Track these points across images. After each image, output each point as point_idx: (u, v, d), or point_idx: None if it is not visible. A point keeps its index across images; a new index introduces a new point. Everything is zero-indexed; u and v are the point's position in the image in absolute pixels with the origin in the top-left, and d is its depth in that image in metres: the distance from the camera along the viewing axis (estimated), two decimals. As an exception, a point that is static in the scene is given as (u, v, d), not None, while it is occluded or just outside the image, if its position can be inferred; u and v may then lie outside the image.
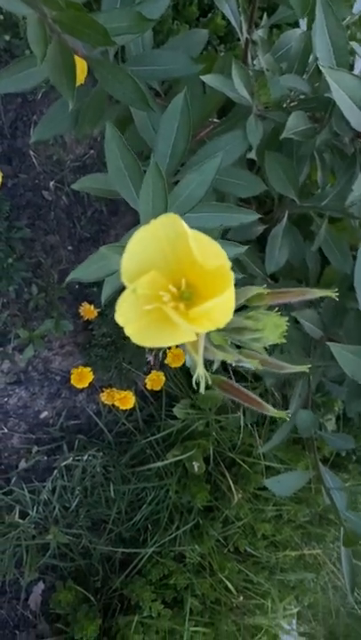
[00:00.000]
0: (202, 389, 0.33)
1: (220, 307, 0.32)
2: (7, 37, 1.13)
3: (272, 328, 0.34)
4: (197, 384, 0.33)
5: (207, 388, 0.36)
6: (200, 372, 0.33)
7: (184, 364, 1.28)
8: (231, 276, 0.33)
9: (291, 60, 0.90)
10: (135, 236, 0.33)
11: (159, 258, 0.34)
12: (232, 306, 0.33)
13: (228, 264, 0.33)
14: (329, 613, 1.70)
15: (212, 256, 0.33)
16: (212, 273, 0.33)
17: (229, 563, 1.35)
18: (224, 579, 1.33)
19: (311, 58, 0.91)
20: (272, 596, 1.39)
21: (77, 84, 0.85)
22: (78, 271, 0.53)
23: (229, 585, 1.33)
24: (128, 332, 0.34)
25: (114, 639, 1.25)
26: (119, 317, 0.33)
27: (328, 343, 0.73)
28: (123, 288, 0.34)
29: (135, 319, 0.33)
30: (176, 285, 0.34)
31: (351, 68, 0.98)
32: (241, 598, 1.36)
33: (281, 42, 0.98)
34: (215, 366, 0.36)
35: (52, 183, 1.29)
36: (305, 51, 0.90)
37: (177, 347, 1.20)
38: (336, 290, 1.01)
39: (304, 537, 1.49)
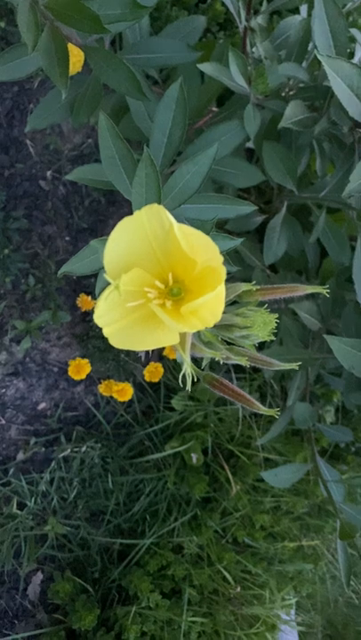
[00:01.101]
0: (188, 387, 0.32)
1: (210, 304, 0.31)
2: (2, 25, 1.11)
3: (261, 325, 0.33)
4: (184, 382, 0.32)
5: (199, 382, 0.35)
6: (188, 371, 0.32)
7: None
8: (223, 272, 0.31)
9: (290, 48, 0.89)
10: (118, 228, 0.32)
11: (145, 252, 0.32)
12: (222, 304, 0.31)
13: (220, 259, 0.31)
14: (327, 603, 1.70)
15: (202, 250, 0.31)
16: (202, 268, 0.32)
17: (228, 553, 1.35)
18: (222, 569, 1.33)
19: (311, 45, 0.90)
20: (270, 587, 1.39)
21: (74, 72, 0.84)
22: (70, 264, 0.52)
23: (227, 575, 1.34)
24: (107, 332, 0.32)
25: (112, 629, 1.25)
26: (98, 318, 0.31)
27: (325, 336, 0.72)
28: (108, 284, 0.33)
29: (116, 319, 0.32)
30: (163, 282, 0.32)
31: (352, 55, 0.96)
32: (239, 589, 1.36)
33: (280, 29, 0.96)
34: (204, 363, 0.35)
35: (49, 173, 1.28)
36: (304, 38, 0.89)
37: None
38: (333, 282, 1.00)
39: (303, 528, 1.49)
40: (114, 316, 0.32)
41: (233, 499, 1.36)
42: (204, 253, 0.31)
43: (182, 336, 0.33)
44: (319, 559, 1.51)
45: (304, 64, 0.91)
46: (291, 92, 0.92)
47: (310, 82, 0.84)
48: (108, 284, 0.31)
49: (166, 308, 0.31)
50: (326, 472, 0.97)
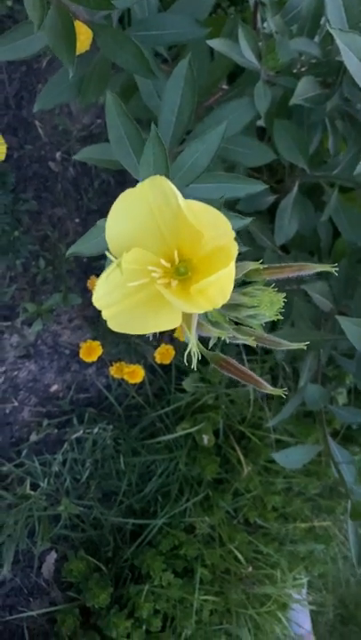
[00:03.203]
0: (193, 366, 0.31)
1: (219, 284, 0.29)
2: (9, 3, 1.10)
3: (268, 305, 0.32)
4: (189, 360, 0.31)
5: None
6: (193, 350, 0.31)
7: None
8: (234, 250, 0.29)
9: (301, 22, 0.87)
10: (119, 201, 0.30)
11: (149, 227, 0.31)
12: (232, 283, 0.30)
13: (232, 235, 0.29)
14: (339, 583, 1.72)
15: (212, 227, 0.29)
16: (212, 246, 0.30)
17: (239, 534, 1.36)
18: (234, 549, 1.35)
19: (323, 19, 0.88)
20: (281, 567, 1.40)
21: (82, 50, 0.83)
22: (78, 245, 0.51)
23: (239, 555, 1.35)
24: (106, 315, 0.31)
25: (125, 607, 1.27)
26: (97, 300, 0.30)
27: (337, 317, 0.71)
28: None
29: (117, 300, 0.30)
30: (169, 260, 0.31)
31: (365, 29, 0.94)
32: (250, 568, 1.37)
33: (292, 2, 0.94)
34: (211, 343, 0.35)
35: (58, 154, 1.27)
36: (317, 12, 0.86)
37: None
38: (345, 262, 0.98)
39: (314, 509, 1.50)
40: (115, 298, 0.31)
41: (244, 480, 1.37)
42: (213, 230, 0.30)
43: (189, 315, 0.32)
44: (331, 540, 1.52)
45: (316, 39, 0.89)
46: (303, 69, 0.90)
47: (322, 57, 0.82)
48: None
49: (172, 288, 0.30)
50: (338, 453, 0.96)
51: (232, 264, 0.28)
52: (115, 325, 0.31)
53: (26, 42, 0.71)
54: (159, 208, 0.30)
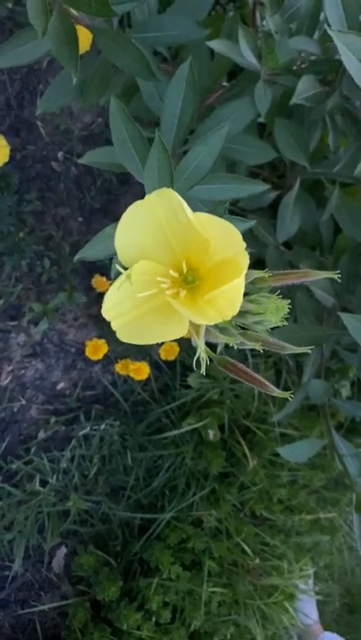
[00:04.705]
0: (202, 371, 0.32)
1: (228, 295, 0.29)
2: (10, 5, 1.11)
3: (274, 311, 0.33)
4: (198, 366, 0.32)
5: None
6: (202, 356, 0.32)
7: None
8: (245, 261, 0.29)
9: (300, 20, 0.87)
10: (128, 213, 0.31)
11: (157, 238, 0.31)
12: (240, 296, 0.30)
13: (243, 248, 0.29)
14: (345, 573, 1.74)
15: (221, 237, 0.30)
16: (221, 256, 0.30)
17: (246, 526, 1.37)
18: (241, 542, 1.36)
19: (322, 15, 0.88)
20: (288, 558, 1.42)
21: (82, 51, 0.84)
22: (85, 251, 0.52)
23: (246, 548, 1.36)
24: (115, 326, 0.31)
25: (135, 599, 1.29)
26: (107, 311, 0.31)
27: (340, 313, 0.72)
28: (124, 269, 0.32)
29: (126, 311, 0.31)
30: (177, 270, 0.32)
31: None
32: (258, 560, 1.39)
33: (290, 0, 0.94)
34: (219, 348, 0.36)
35: (60, 154, 1.28)
36: (315, 8, 0.87)
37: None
38: (347, 258, 0.99)
39: (319, 501, 1.51)
40: (124, 308, 0.31)
41: (250, 473, 1.38)
42: (222, 241, 0.30)
43: (197, 323, 0.33)
44: (336, 531, 1.53)
45: (315, 36, 0.89)
46: (302, 66, 0.91)
47: (322, 55, 0.83)
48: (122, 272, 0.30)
49: (180, 299, 0.31)
50: (342, 446, 0.98)
51: (242, 276, 0.29)
52: (123, 335, 0.32)
53: (28, 48, 0.71)
54: (167, 220, 0.31)
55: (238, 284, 0.29)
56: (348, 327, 0.73)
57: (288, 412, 1.03)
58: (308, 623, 1.53)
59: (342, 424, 1.47)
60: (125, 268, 0.31)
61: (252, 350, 1.39)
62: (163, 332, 0.32)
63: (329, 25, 0.69)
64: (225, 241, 0.30)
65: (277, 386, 1.44)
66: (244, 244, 0.29)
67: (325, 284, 0.99)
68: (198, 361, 0.33)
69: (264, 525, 1.43)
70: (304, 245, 1.16)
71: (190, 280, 0.33)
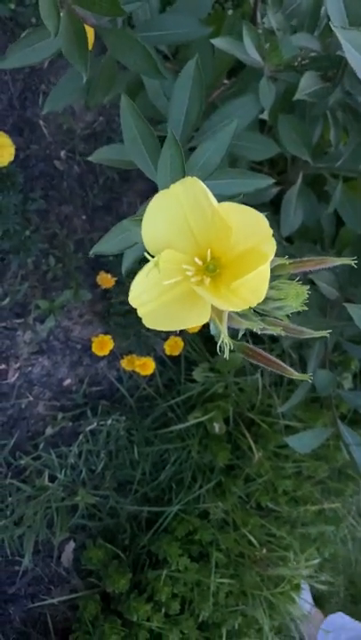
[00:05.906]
0: (226, 356, 0.33)
1: (253, 283, 0.30)
2: (12, 6, 1.12)
3: (294, 297, 0.35)
4: (221, 351, 0.34)
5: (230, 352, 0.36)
6: (225, 341, 0.34)
7: (201, 330, 1.30)
8: (271, 249, 0.30)
9: (301, 17, 0.89)
10: (154, 202, 0.31)
11: (182, 226, 0.32)
12: (266, 283, 0.30)
13: (269, 232, 0.30)
14: (349, 564, 1.76)
15: (245, 226, 0.30)
16: (245, 245, 0.31)
17: (252, 518, 1.39)
18: (247, 533, 1.38)
19: (323, 11, 0.89)
20: (294, 549, 1.43)
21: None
22: (101, 245, 0.54)
23: (252, 539, 1.38)
24: (142, 312, 0.32)
25: (144, 591, 1.31)
26: (134, 299, 0.32)
27: (346, 304, 0.74)
28: (142, 261, 0.33)
29: (152, 298, 0.32)
30: (201, 258, 0.33)
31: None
32: (264, 551, 1.41)
33: (291, -3, 0.96)
34: (240, 334, 0.38)
35: (63, 153, 1.29)
36: (316, 5, 0.88)
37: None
38: (349, 251, 1.01)
39: (324, 492, 1.53)
40: (151, 296, 0.32)
41: (255, 465, 1.40)
42: (247, 229, 0.31)
43: (219, 309, 0.35)
44: (340, 521, 1.55)
45: (316, 32, 0.91)
46: (304, 62, 0.92)
47: (323, 51, 0.84)
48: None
49: (205, 286, 0.32)
50: (348, 436, 0.99)
51: (268, 263, 0.30)
52: (149, 322, 0.33)
53: (36, 48, 0.73)
54: (191, 208, 0.32)
55: (264, 272, 0.30)
56: (354, 318, 0.75)
57: (294, 403, 1.05)
58: (307, 609, 1.56)
59: (345, 415, 1.49)
60: (152, 257, 0.33)
61: (255, 343, 1.41)
62: (187, 318, 0.33)
63: (330, 21, 0.70)
64: (249, 228, 0.31)
65: (280, 380, 1.46)
66: (270, 231, 0.30)
67: (329, 277, 1.01)
68: (221, 347, 0.35)
69: (270, 517, 1.45)
70: (306, 240, 1.17)
71: (212, 269, 0.34)
